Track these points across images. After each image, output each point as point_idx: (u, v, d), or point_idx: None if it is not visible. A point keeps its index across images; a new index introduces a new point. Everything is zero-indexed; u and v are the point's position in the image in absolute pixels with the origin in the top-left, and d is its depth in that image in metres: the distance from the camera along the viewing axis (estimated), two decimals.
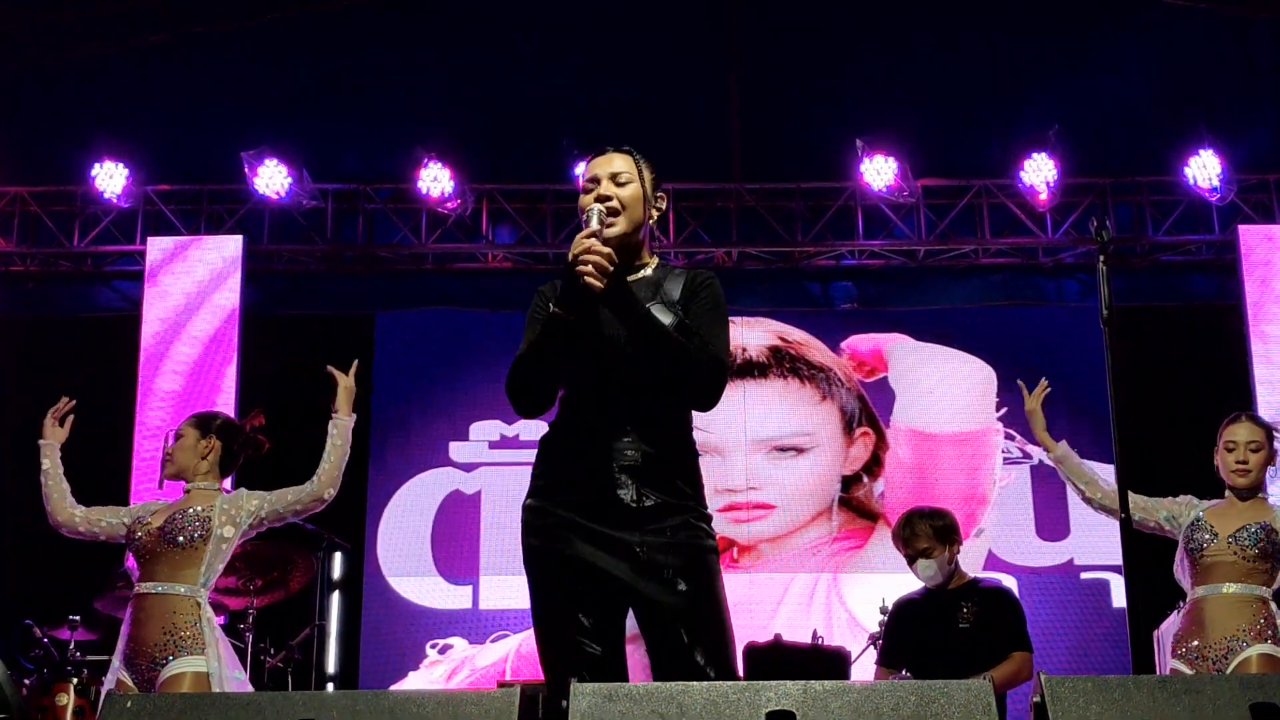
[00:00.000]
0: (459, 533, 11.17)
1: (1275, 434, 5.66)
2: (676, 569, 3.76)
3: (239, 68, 11.91)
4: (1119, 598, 10.66)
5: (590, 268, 3.73)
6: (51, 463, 5.88)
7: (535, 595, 3.88)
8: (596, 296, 3.78)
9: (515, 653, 10.73)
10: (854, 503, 11.11)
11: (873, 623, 7.80)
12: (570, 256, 3.78)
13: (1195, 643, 5.42)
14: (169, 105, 11.83)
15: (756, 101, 11.94)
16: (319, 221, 11.81)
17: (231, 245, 11.49)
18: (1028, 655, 6.47)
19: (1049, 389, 6.31)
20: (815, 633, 8.28)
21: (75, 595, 8.46)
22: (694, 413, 4.03)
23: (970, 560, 9.95)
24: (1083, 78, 11.55)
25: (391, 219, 11.89)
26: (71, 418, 5.94)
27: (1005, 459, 11.03)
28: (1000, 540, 10.95)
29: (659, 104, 11.70)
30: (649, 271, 4.06)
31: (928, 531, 6.62)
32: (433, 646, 10.96)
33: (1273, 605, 5.42)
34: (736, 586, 10.70)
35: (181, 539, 5.45)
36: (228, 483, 5.86)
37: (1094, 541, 10.67)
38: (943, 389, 11.27)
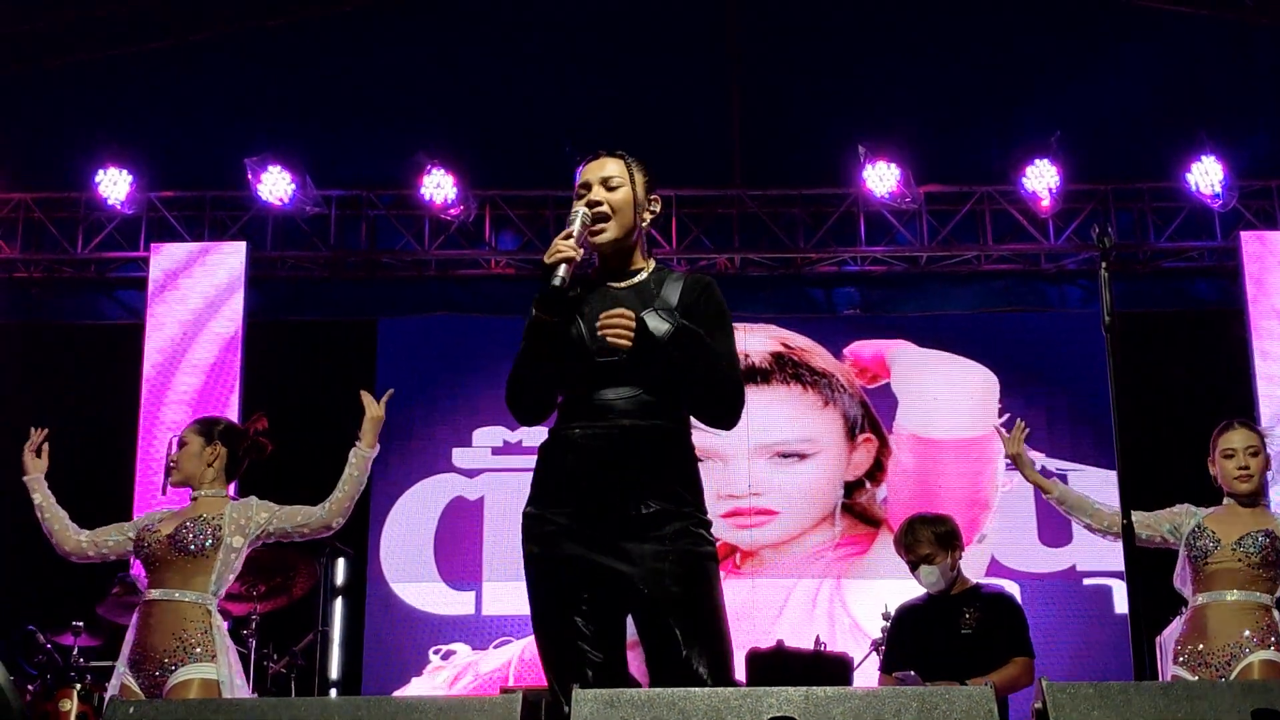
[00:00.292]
0: (462, 539, 11.18)
1: (1266, 439, 5.66)
2: (675, 576, 3.76)
3: (242, 74, 11.92)
4: (1121, 604, 10.66)
5: (559, 261, 3.80)
6: (42, 495, 5.81)
7: (536, 602, 3.89)
8: (567, 294, 3.85)
9: (518, 658, 10.73)
10: (856, 508, 11.11)
11: (875, 628, 7.80)
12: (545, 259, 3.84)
13: (1197, 648, 5.42)
14: (173, 112, 11.84)
15: (758, 107, 11.94)
16: (322, 228, 11.82)
17: (235, 252, 11.50)
18: (1030, 661, 6.47)
19: (1028, 430, 6.24)
20: (818, 638, 8.28)
21: (78, 601, 8.46)
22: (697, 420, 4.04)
23: (973, 566, 9.95)
24: (1084, 84, 11.55)
25: (394, 225, 11.90)
26: (47, 446, 5.88)
27: (1008, 465, 10.99)
28: (1003, 546, 10.94)
29: (661, 110, 11.71)
30: (645, 275, 4.07)
31: (930, 538, 6.62)
32: (436, 652, 10.96)
33: (1275, 613, 5.41)
34: (739, 592, 10.72)
35: (193, 547, 5.45)
36: (233, 488, 5.85)
37: (1096, 548, 10.65)
38: (945, 395, 11.27)
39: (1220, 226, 11.45)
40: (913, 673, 6.48)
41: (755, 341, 11.27)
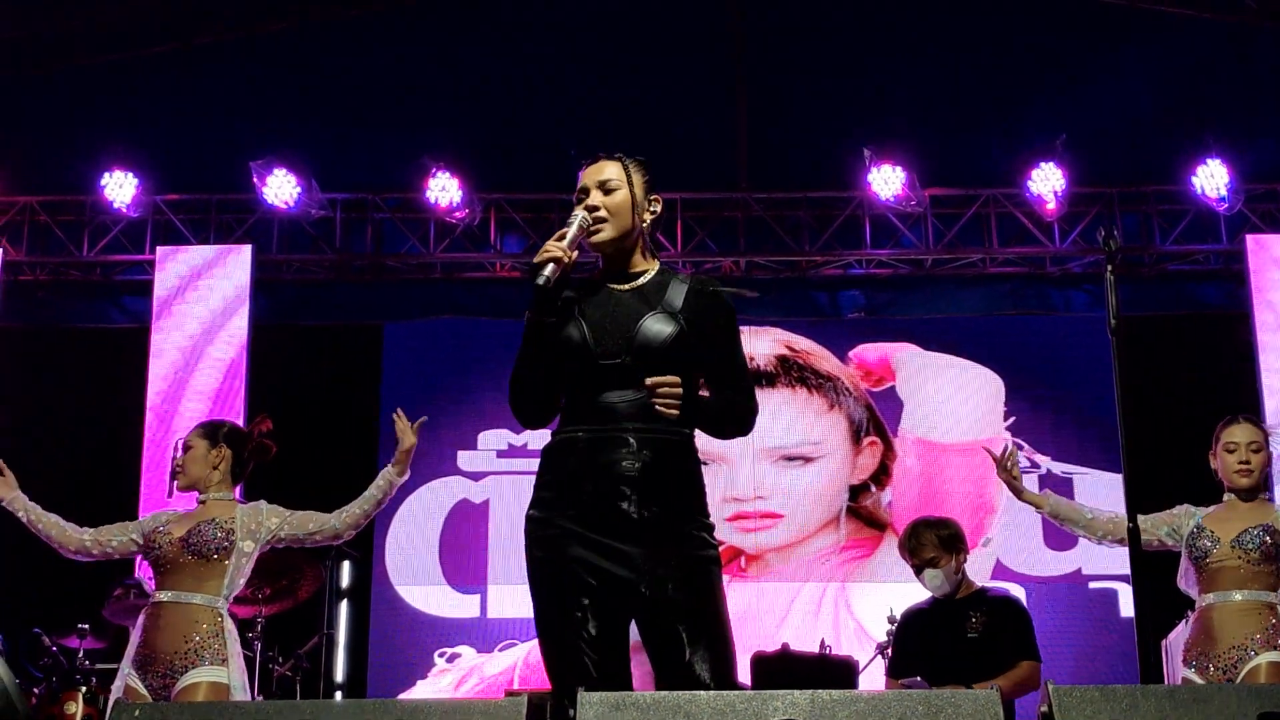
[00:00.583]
0: (467, 542, 11.18)
1: (1270, 437, 5.64)
2: (678, 580, 3.76)
3: (248, 78, 11.93)
4: (1127, 607, 10.64)
5: (546, 261, 3.83)
6: (26, 510, 5.70)
7: (539, 605, 3.88)
8: (557, 293, 3.88)
9: (523, 661, 10.74)
10: (862, 512, 11.11)
11: (880, 632, 7.80)
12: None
13: (1205, 651, 5.41)
14: (178, 115, 11.85)
15: (764, 111, 11.94)
16: (327, 231, 11.84)
17: (240, 255, 11.51)
18: (1036, 664, 6.46)
19: (1014, 452, 6.19)
20: (823, 642, 8.27)
21: (83, 604, 8.47)
22: None
23: (978, 570, 9.93)
24: (1089, 87, 11.54)
25: (400, 228, 11.92)
26: (3, 464, 5.81)
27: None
28: (1008, 550, 10.94)
29: (666, 113, 11.71)
30: (648, 278, 4.06)
31: (934, 541, 6.61)
32: (441, 655, 10.97)
33: None
34: (744, 596, 10.72)
35: (207, 550, 5.45)
36: (239, 490, 5.85)
37: (1102, 551, 10.49)
38: (950, 398, 11.27)
39: (1226, 230, 11.45)
40: (919, 679, 6.48)
41: (760, 345, 11.26)
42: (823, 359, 11.36)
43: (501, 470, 11.26)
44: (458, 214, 11.44)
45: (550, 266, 3.85)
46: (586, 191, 4.05)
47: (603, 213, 4.01)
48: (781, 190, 11.74)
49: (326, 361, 11.66)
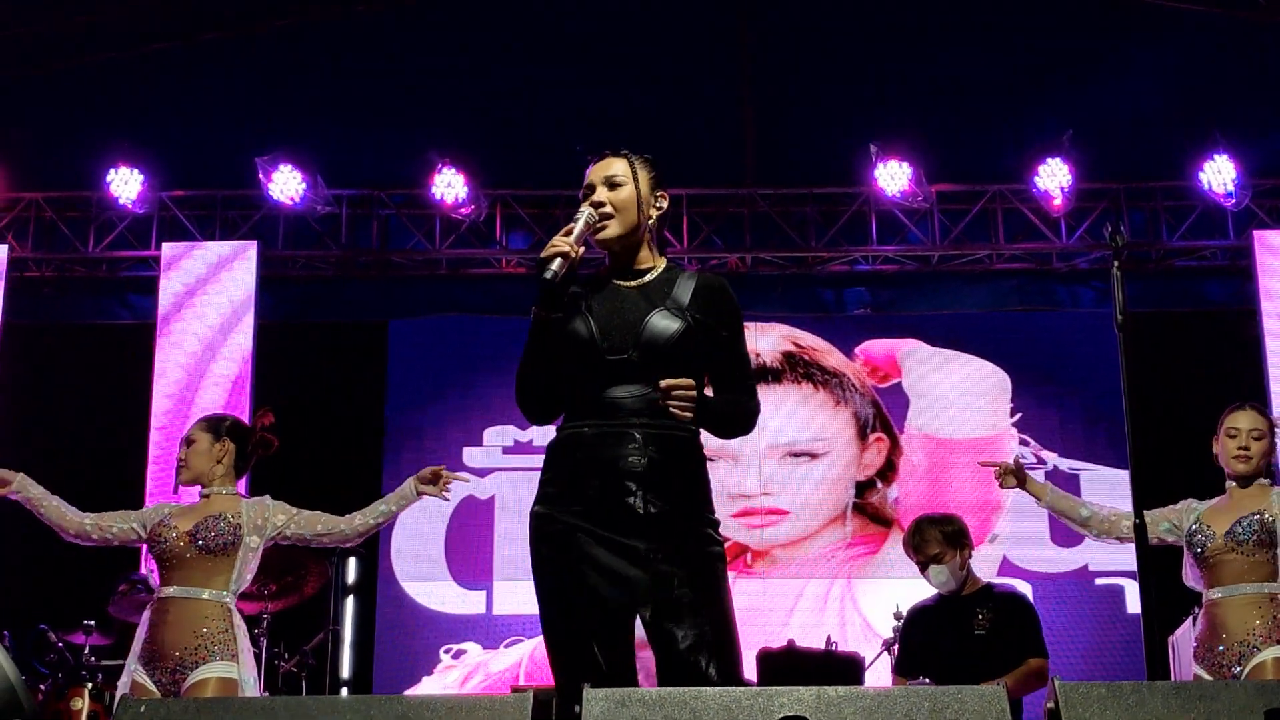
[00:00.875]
0: (473, 538, 11.18)
1: (1277, 427, 5.62)
2: (683, 576, 3.76)
3: (253, 74, 11.94)
4: (1133, 604, 10.62)
5: (553, 256, 3.84)
6: (31, 491, 5.67)
7: (544, 601, 3.88)
8: (563, 289, 3.89)
9: (529, 658, 10.74)
10: (868, 508, 11.10)
11: (887, 628, 7.79)
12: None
13: (1212, 647, 5.39)
14: (184, 111, 11.86)
15: (770, 107, 11.94)
16: (333, 227, 11.84)
17: (246, 251, 11.52)
18: (1043, 661, 6.45)
19: (1009, 467, 6.10)
20: (829, 638, 8.26)
21: (89, 600, 8.47)
22: None
23: (984, 566, 9.92)
24: (1096, 82, 11.52)
25: (405, 225, 11.92)
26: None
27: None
28: (1015, 546, 10.93)
29: (673, 109, 11.71)
30: (655, 274, 4.06)
31: (938, 537, 6.60)
32: (446, 651, 10.97)
33: None
34: (750, 592, 10.72)
35: (214, 546, 5.44)
36: (242, 484, 5.85)
37: (1108, 547, 10.60)
38: (957, 394, 11.26)
39: (1233, 225, 11.43)
40: (927, 680, 6.47)
41: (766, 341, 11.26)
42: (829, 355, 11.36)
43: (507, 466, 11.26)
44: (463, 210, 11.43)
45: (557, 261, 3.85)
46: (593, 188, 4.06)
47: (608, 208, 4.02)
48: (788, 186, 11.73)
49: (332, 358, 11.66)
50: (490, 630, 11.00)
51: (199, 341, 11.28)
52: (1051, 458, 11.06)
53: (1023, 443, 11.11)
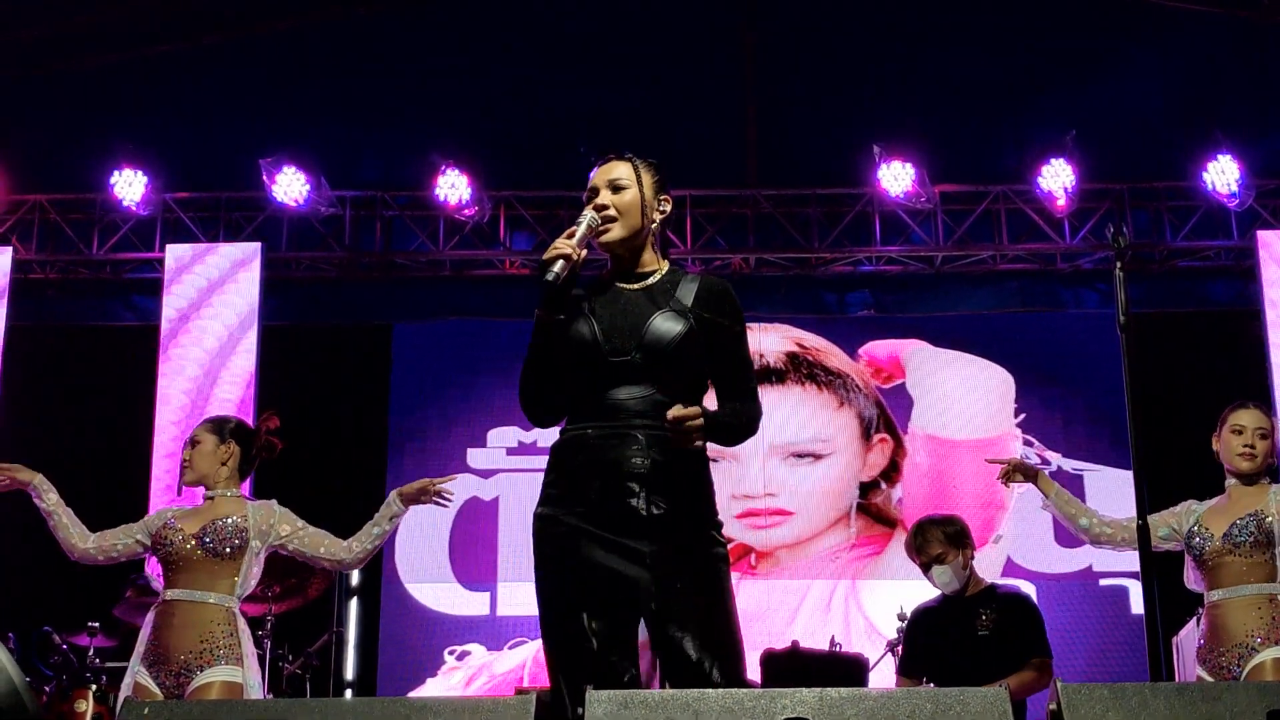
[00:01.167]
0: (477, 539, 11.19)
1: (1276, 424, 5.59)
2: (686, 578, 3.76)
3: (257, 75, 11.95)
4: (1138, 604, 10.63)
5: (555, 259, 3.85)
6: (47, 498, 5.67)
7: (546, 602, 3.88)
8: (565, 291, 3.90)
9: (533, 659, 10.74)
10: (872, 509, 11.10)
11: (891, 629, 7.79)
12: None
13: (1213, 649, 5.38)
14: (187, 113, 11.88)
15: (773, 107, 11.94)
16: (337, 229, 11.84)
17: (250, 253, 11.52)
18: (1048, 661, 6.45)
19: (1010, 459, 6.10)
20: (833, 639, 8.28)
21: (94, 602, 8.48)
22: None
23: (988, 567, 9.94)
24: (1100, 83, 11.52)
25: (409, 226, 11.92)
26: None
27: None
28: (1019, 547, 10.93)
29: (676, 110, 11.72)
30: (658, 277, 4.07)
31: (940, 538, 6.60)
32: (450, 653, 10.97)
33: None
34: (754, 593, 10.72)
35: (222, 549, 5.44)
36: (246, 487, 5.84)
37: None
38: (961, 395, 11.26)
39: (1237, 226, 11.41)
40: (927, 681, 6.47)
41: (770, 342, 11.26)
42: (832, 356, 11.36)
43: (511, 468, 11.27)
44: (467, 211, 11.44)
45: (560, 264, 3.86)
46: (596, 191, 4.07)
47: (611, 211, 4.02)
48: (791, 187, 11.72)
49: (336, 359, 11.69)
50: (494, 631, 11.01)
51: (202, 343, 11.28)
52: (1055, 458, 11.06)
53: (1026, 443, 11.11)
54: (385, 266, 11.99)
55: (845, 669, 7.60)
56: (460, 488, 11.23)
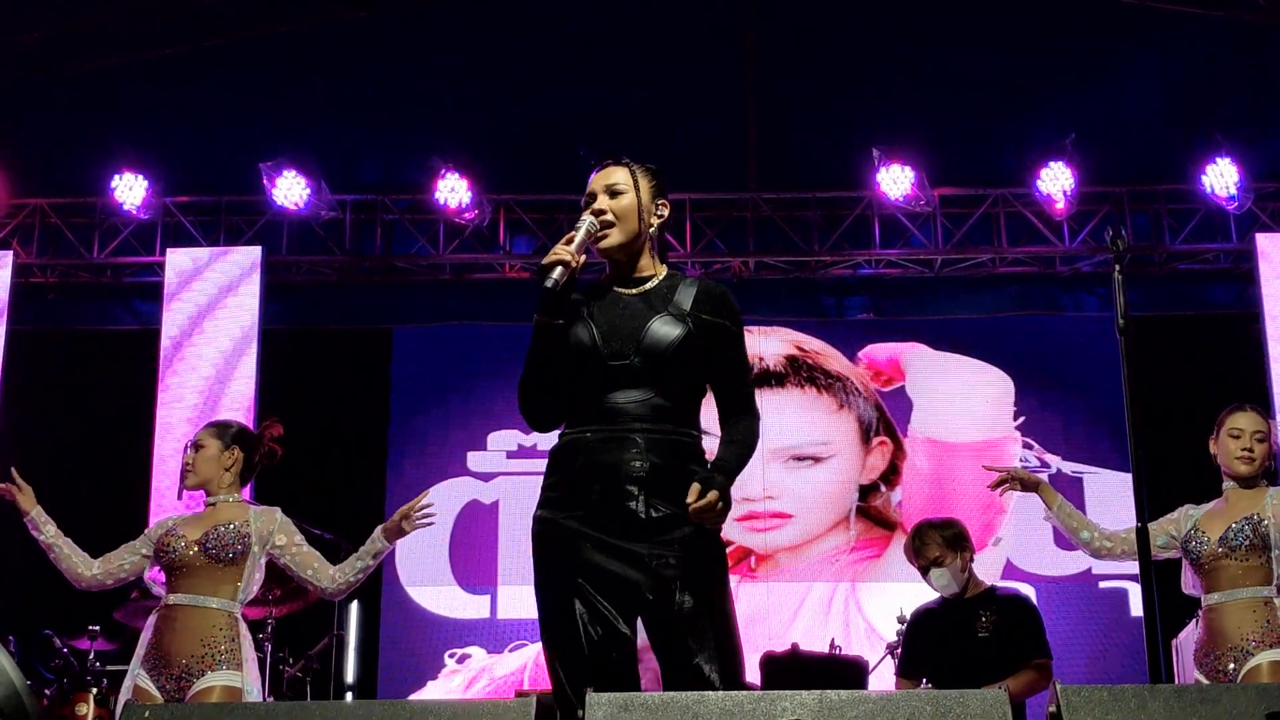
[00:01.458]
0: (477, 542, 11.19)
1: (1273, 427, 5.58)
2: (684, 581, 3.77)
3: (257, 79, 11.95)
4: (1137, 607, 10.63)
5: (554, 264, 3.86)
6: (46, 531, 5.67)
7: (545, 605, 3.89)
8: (564, 295, 3.90)
9: (533, 662, 10.74)
10: (872, 512, 11.11)
11: (891, 632, 7.79)
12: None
13: (1209, 652, 5.38)
14: (188, 117, 11.89)
15: (773, 111, 11.94)
16: (337, 232, 11.85)
17: (250, 256, 11.52)
18: (1048, 663, 6.46)
19: (1008, 469, 6.08)
20: (833, 642, 8.28)
21: (95, 606, 8.46)
22: (705, 422, 4.05)
23: (989, 569, 9.94)
24: (1099, 86, 11.53)
25: (409, 229, 11.93)
26: (17, 475, 5.74)
27: (1023, 468, 10.99)
28: (1018, 549, 10.93)
29: (676, 114, 11.72)
30: (657, 281, 4.08)
31: (938, 540, 6.61)
32: (451, 656, 10.98)
33: (1278, 602, 5.35)
34: (754, 596, 10.72)
35: (224, 555, 5.43)
36: (247, 491, 5.85)
37: None
38: (960, 398, 11.27)
39: (1236, 229, 11.42)
40: (926, 683, 6.48)
41: (770, 345, 11.27)
42: (832, 359, 11.37)
43: (511, 471, 11.27)
44: (467, 215, 11.44)
45: (559, 269, 3.87)
46: (594, 196, 4.07)
47: (609, 216, 4.03)
48: (791, 190, 11.73)
49: (336, 363, 11.70)
50: (495, 634, 11.01)
51: (203, 347, 11.28)
52: (1055, 461, 11.06)
53: (1026, 446, 11.12)
54: (385, 270, 12.00)
55: (845, 671, 7.60)
56: (460, 491, 11.29)
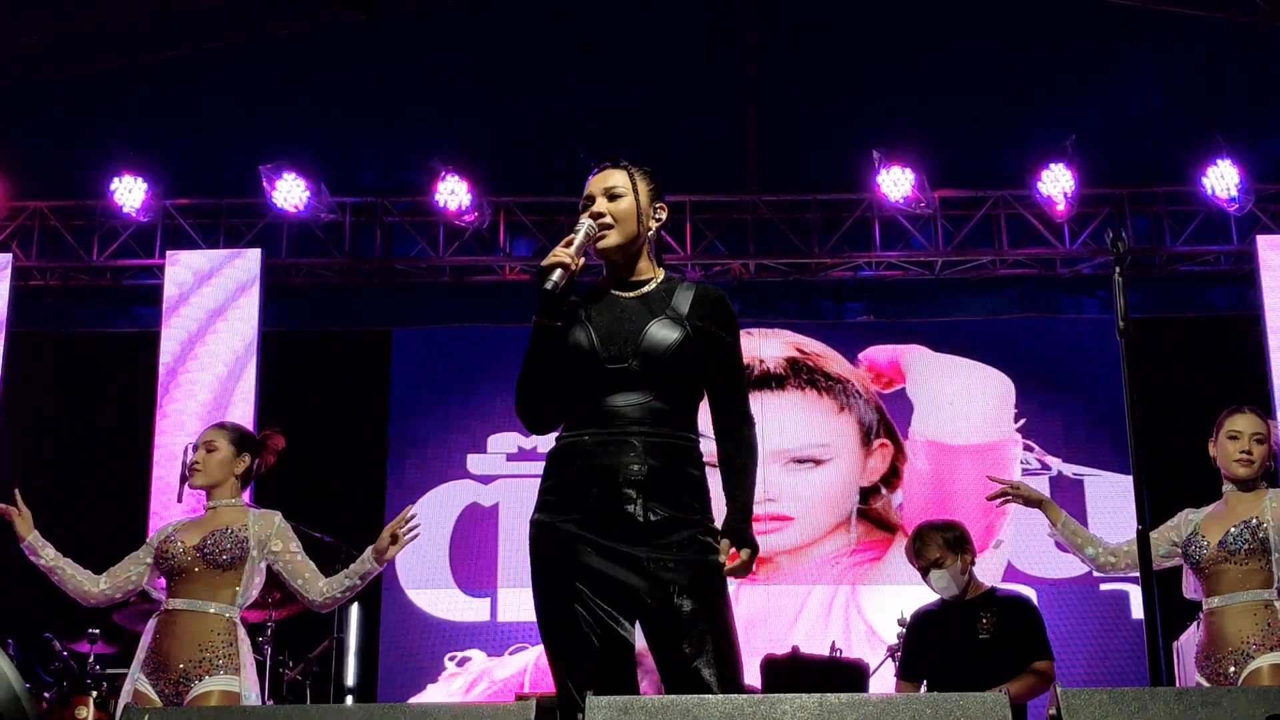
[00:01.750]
0: (477, 545, 11.19)
1: (1274, 428, 5.56)
2: (682, 584, 3.76)
3: (257, 82, 11.96)
4: (1138, 609, 10.63)
5: (553, 267, 3.85)
6: (44, 555, 5.67)
7: (543, 609, 3.88)
8: (563, 298, 3.89)
9: (533, 665, 10.74)
10: (872, 514, 11.10)
11: (891, 634, 7.79)
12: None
13: (1209, 656, 5.38)
14: (187, 119, 11.89)
15: (773, 113, 11.94)
16: (337, 235, 11.85)
17: (250, 259, 11.52)
18: (1049, 663, 6.44)
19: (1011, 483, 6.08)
20: (834, 644, 8.27)
21: (94, 609, 8.47)
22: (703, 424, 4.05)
23: (990, 571, 9.93)
24: (1099, 88, 11.53)
25: (409, 232, 11.93)
26: (20, 499, 5.73)
27: (1024, 470, 11.01)
28: (1019, 551, 10.93)
29: (676, 116, 11.72)
30: (654, 284, 4.07)
31: (939, 542, 6.60)
32: (451, 659, 10.97)
33: (1278, 605, 5.34)
34: (754, 599, 10.72)
35: (222, 560, 5.42)
36: (248, 494, 5.84)
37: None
38: (961, 400, 11.26)
39: (1237, 231, 11.41)
40: (926, 687, 6.48)
41: (770, 347, 11.26)
42: (832, 361, 11.36)
43: (511, 474, 11.27)
44: (467, 217, 11.45)
45: (558, 272, 3.86)
46: (592, 199, 4.07)
47: (608, 219, 4.03)
48: (791, 192, 11.73)
49: (336, 365, 11.70)
50: (495, 637, 11.01)
51: (203, 350, 11.28)
52: (1055, 463, 11.06)
53: (1026, 448, 11.12)
54: (385, 272, 12.00)
55: (846, 675, 7.59)
56: (460, 494, 11.29)
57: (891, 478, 11.15)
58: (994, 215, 11.61)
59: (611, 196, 4.05)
